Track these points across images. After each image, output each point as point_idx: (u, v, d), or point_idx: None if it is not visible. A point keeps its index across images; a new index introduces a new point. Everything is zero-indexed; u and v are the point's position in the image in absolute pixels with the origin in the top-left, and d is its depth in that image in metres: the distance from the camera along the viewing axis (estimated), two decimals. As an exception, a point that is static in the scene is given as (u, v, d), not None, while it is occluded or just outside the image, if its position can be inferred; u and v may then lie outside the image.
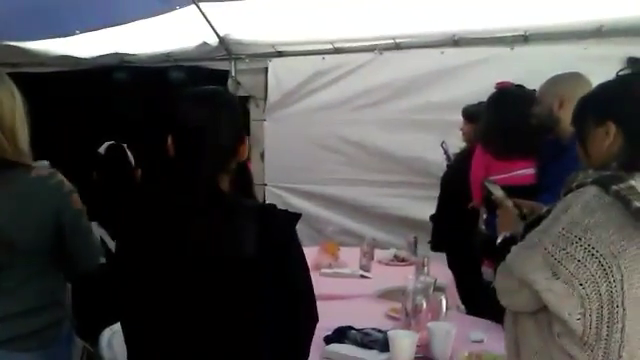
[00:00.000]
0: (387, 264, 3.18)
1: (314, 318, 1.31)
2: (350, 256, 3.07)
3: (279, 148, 4.44)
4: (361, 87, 4.09)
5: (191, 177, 1.25)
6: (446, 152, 3.46)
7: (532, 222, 1.41)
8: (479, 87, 3.39)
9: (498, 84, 2.79)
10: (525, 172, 2.54)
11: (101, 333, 1.83)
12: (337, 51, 4.11)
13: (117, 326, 1.84)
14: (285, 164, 4.41)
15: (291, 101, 4.33)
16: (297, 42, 4.13)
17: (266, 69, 4.33)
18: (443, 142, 3.47)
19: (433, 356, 1.69)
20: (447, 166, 3.41)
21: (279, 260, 1.23)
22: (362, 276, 2.88)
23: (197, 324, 1.23)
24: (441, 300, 1.96)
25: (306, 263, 1.30)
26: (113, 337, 1.80)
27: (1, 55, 4.15)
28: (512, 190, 1.77)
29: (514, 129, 2.57)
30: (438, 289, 2.05)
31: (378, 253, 3.20)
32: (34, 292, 1.59)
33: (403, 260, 3.22)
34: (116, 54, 4.40)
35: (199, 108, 1.28)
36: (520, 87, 2.76)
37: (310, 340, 1.35)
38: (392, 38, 3.90)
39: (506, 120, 2.62)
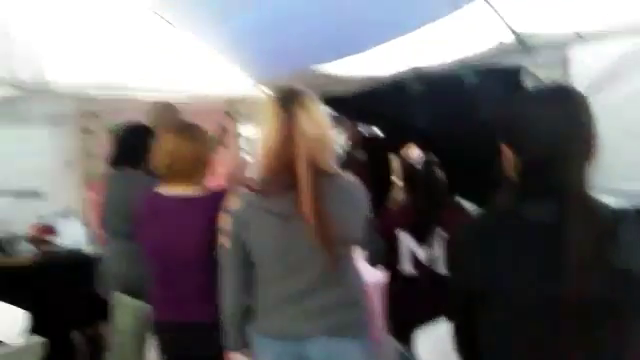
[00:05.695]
0: None
1: None
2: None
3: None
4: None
5: (556, 186, 1.11)
6: None
7: None
8: None
9: None
10: None
11: (413, 334, 1.83)
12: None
13: (430, 328, 1.81)
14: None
15: (597, 90, 3.77)
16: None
17: (565, 59, 3.89)
18: None
19: None
20: None
21: None
22: None
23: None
24: None
25: None
26: (427, 339, 1.77)
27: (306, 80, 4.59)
28: None
29: None
30: None
31: None
32: (349, 286, 1.83)
33: None
34: (413, 69, 4.43)
35: (552, 108, 1.16)
36: None
37: None
38: None
39: None
